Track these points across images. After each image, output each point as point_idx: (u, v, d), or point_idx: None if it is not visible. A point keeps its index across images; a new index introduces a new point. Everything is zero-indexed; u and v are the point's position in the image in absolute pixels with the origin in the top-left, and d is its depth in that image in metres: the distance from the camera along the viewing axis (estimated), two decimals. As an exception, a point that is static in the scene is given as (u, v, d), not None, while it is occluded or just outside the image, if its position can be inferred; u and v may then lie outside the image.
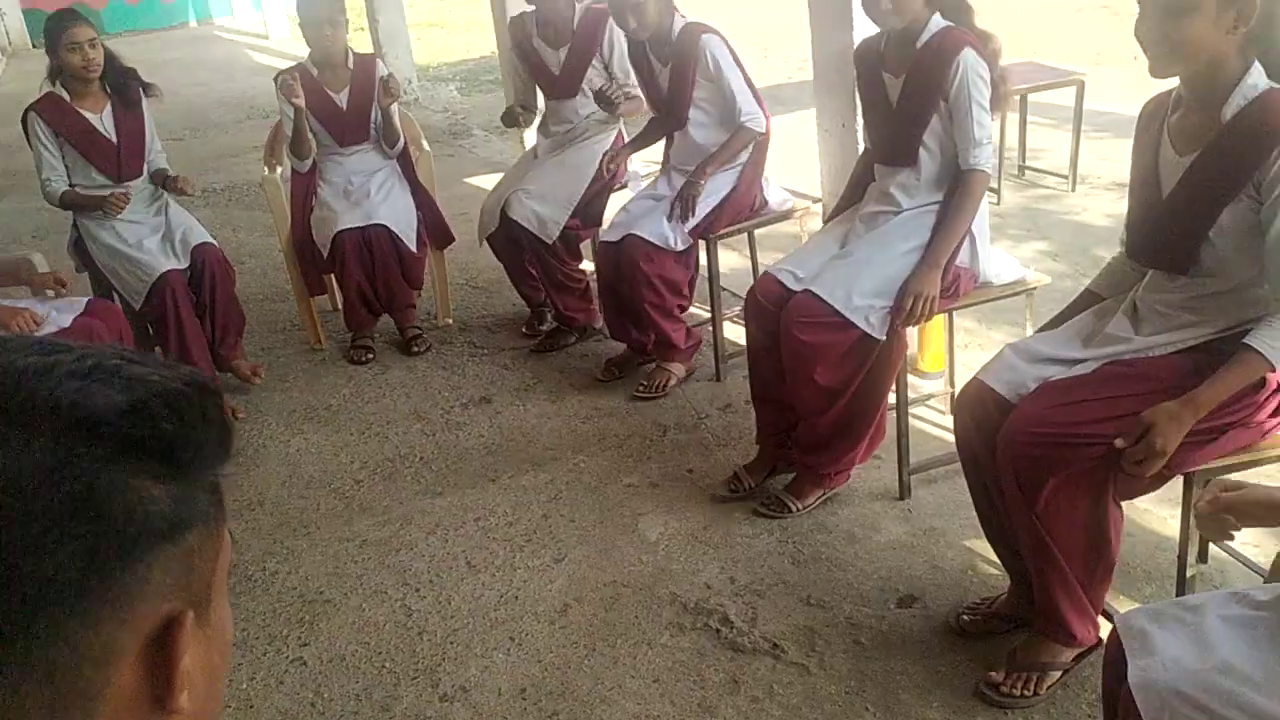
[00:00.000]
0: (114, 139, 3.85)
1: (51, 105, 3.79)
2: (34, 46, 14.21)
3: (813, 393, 2.84)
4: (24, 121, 3.80)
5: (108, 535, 0.56)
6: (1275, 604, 1.50)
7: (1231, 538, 1.61)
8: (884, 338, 2.79)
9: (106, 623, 0.57)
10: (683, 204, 3.55)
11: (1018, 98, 4.89)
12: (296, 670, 2.62)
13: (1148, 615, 1.60)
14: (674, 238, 3.58)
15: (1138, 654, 1.54)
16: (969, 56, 2.73)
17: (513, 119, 4.28)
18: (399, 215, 4.13)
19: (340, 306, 4.42)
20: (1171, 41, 1.92)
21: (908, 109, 2.85)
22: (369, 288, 4.16)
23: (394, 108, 4.13)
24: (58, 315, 3.29)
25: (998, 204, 5.08)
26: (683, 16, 3.56)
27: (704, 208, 3.59)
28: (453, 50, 12.29)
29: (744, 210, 3.68)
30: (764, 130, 3.58)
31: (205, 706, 0.63)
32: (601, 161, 3.98)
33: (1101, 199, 5.17)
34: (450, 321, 4.53)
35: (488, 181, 6.28)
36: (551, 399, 3.82)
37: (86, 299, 3.51)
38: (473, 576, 2.90)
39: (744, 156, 3.63)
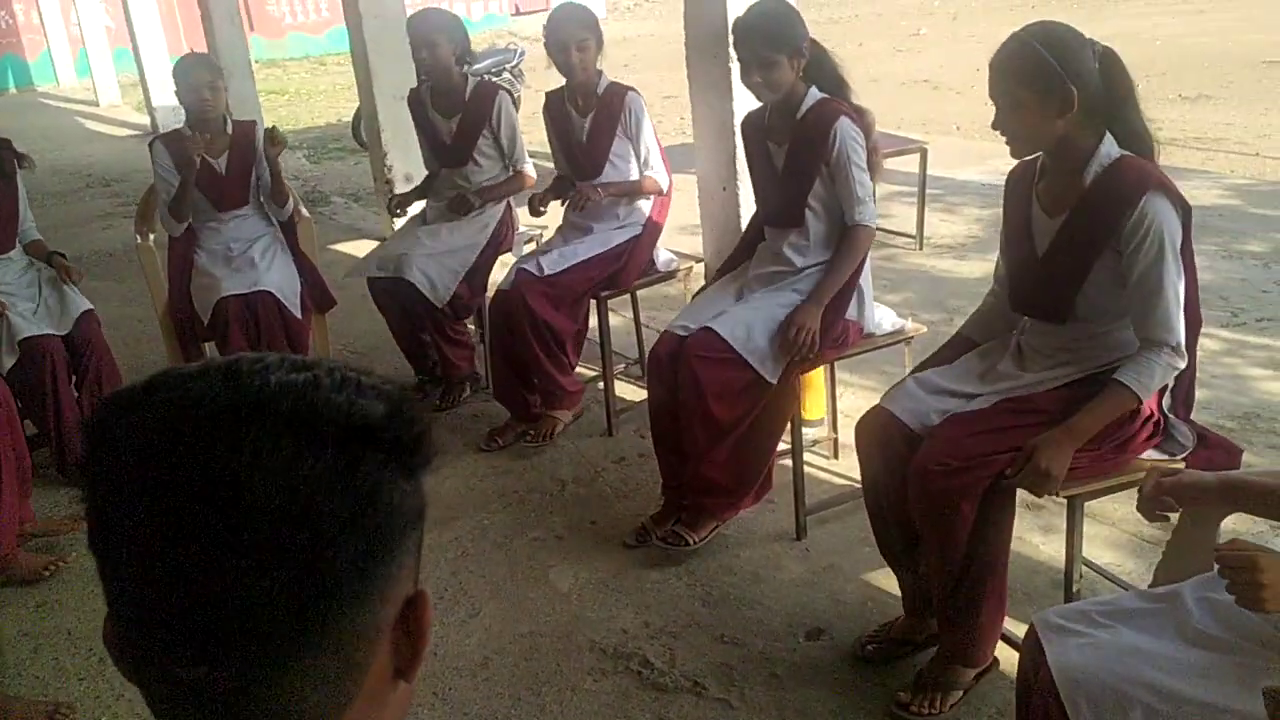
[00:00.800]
0: None
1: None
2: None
3: (705, 426, 2.97)
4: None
5: (383, 528, 0.64)
6: (1170, 596, 1.73)
7: (1167, 518, 1.87)
8: (775, 381, 2.97)
9: (377, 604, 0.65)
10: (579, 196, 3.73)
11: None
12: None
13: (1060, 612, 1.82)
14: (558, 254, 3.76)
15: (1055, 642, 1.74)
16: (844, 124, 2.98)
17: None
18: (284, 281, 4.10)
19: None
20: (1013, 132, 2.27)
21: (792, 174, 3.07)
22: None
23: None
24: None
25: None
26: (607, 77, 3.80)
27: (601, 244, 3.78)
28: (297, 118, 12.18)
29: (643, 265, 3.87)
30: (665, 189, 3.85)
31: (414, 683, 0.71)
32: (500, 221, 4.15)
33: (946, 256, 5.58)
34: (333, 387, 4.49)
35: (352, 248, 6.29)
36: (448, 459, 3.86)
37: None
38: (388, 636, 2.90)
39: (646, 210, 3.84)
